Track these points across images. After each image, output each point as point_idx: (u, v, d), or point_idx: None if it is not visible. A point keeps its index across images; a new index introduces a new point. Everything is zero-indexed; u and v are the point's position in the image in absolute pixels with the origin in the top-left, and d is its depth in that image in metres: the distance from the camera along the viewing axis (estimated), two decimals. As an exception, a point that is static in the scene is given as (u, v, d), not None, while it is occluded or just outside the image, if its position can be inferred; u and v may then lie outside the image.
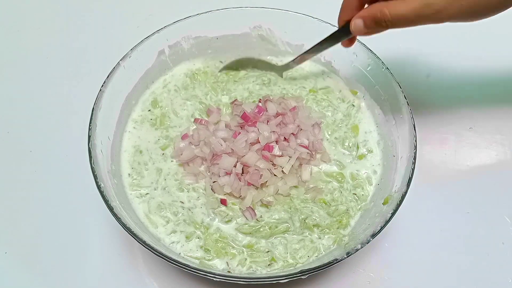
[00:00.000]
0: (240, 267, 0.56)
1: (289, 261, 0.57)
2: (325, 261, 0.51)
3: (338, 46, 0.64)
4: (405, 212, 0.56)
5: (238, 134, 0.63)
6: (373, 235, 0.51)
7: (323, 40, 0.63)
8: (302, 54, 0.67)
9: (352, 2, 0.55)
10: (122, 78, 0.64)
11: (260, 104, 0.66)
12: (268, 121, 0.65)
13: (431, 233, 0.65)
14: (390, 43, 0.82)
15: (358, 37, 0.63)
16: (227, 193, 0.61)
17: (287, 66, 0.72)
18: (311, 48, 0.65)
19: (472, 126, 0.75)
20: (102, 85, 0.61)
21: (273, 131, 0.63)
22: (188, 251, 0.57)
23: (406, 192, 0.54)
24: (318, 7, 0.71)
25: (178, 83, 0.72)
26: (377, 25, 0.53)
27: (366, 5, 0.56)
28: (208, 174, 0.63)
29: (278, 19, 0.70)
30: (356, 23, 0.54)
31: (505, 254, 0.63)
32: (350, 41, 0.61)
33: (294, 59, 0.69)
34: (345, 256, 0.50)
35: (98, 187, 0.53)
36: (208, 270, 0.50)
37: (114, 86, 0.62)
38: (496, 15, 0.51)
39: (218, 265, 0.56)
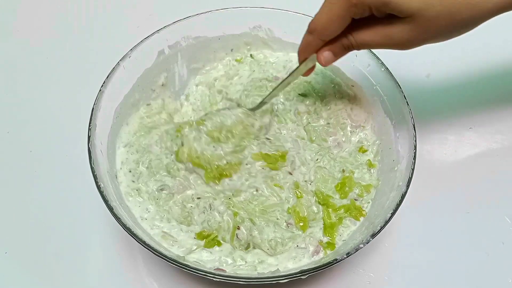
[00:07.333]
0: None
1: None
2: (325, 261, 0.51)
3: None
4: (405, 212, 0.56)
5: None
6: (373, 235, 0.51)
7: (287, 77, 0.62)
8: (270, 92, 0.64)
9: (314, 44, 0.55)
10: (122, 78, 0.64)
11: None
12: None
13: (431, 233, 0.65)
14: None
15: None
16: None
17: (258, 107, 0.65)
18: (276, 87, 0.63)
19: (472, 126, 0.75)
20: (102, 85, 0.61)
21: None
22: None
23: (406, 192, 0.54)
24: (319, 7, 0.71)
25: None
26: (346, 50, 0.55)
27: None
28: None
29: (278, 19, 0.70)
30: (325, 55, 0.55)
31: (505, 254, 0.63)
32: (310, 70, 0.61)
33: (263, 99, 0.65)
34: (345, 256, 0.50)
35: (98, 187, 0.53)
36: (208, 270, 0.50)
37: (113, 86, 0.62)
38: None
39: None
